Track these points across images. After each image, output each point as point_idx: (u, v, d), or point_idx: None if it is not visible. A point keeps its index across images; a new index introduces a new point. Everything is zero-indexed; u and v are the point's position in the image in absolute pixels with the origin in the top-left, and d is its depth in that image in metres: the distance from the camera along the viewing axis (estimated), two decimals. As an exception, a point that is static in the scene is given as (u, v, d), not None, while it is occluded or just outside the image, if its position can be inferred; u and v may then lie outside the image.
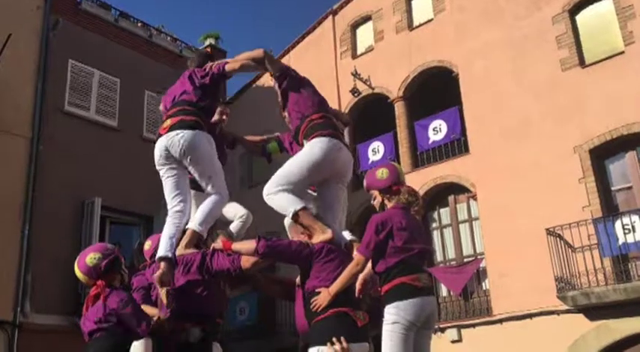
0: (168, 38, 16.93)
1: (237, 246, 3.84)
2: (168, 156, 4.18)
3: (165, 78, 15.02)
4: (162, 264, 3.86)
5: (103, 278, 3.65)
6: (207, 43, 17.83)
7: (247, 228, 5.14)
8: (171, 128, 4.16)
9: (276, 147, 5.04)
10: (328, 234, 3.79)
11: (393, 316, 3.59)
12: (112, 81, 14.86)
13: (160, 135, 4.23)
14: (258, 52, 4.35)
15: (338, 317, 3.54)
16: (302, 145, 4.24)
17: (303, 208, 3.92)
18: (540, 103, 12.07)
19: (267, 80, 16.94)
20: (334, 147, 4.08)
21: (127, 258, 13.06)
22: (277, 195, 3.99)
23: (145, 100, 15.39)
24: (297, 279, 4.31)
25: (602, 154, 11.47)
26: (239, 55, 4.52)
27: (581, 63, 11.89)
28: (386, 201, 3.96)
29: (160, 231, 12.92)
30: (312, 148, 4.08)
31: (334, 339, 3.43)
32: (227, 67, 4.38)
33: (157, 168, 4.28)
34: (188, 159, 4.15)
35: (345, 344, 3.43)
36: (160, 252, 3.95)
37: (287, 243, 3.77)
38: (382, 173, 4.00)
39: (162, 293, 3.89)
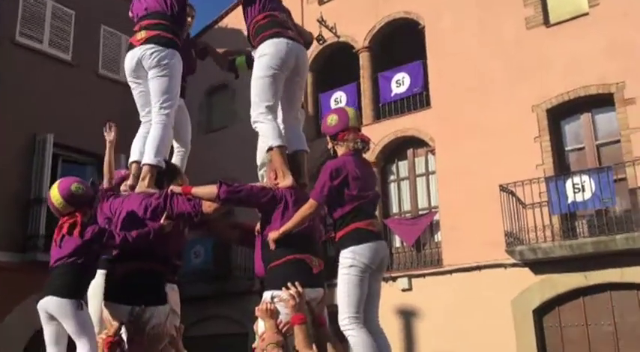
0: (128, -29, 16.21)
1: (197, 190, 3.78)
2: (139, 69, 4.26)
3: (123, 13, 14.37)
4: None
5: (79, 209, 3.61)
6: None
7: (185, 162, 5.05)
8: (147, 41, 4.21)
9: (244, 62, 5.01)
10: (288, 182, 3.80)
11: (349, 260, 3.63)
12: (67, 13, 14.21)
13: (132, 46, 4.28)
14: None
15: (294, 263, 3.57)
16: (254, 48, 4.29)
17: (279, 146, 3.97)
18: (503, 61, 12.14)
19: (229, 21, 16.52)
20: (280, 46, 4.12)
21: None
22: (263, 124, 4.07)
23: (101, 35, 14.82)
24: (257, 226, 4.31)
25: (559, 114, 11.68)
26: None
27: (546, 22, 11.94)
28: (336, 148, 3.95)
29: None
30: (260, 59, 4.15)
31: (289, 284, 3.46)
32: None
33: (128, 80, 4.40)
34: (153, 75, 4.21)
35: (300, 288, 3.46)
36: (146, 159, 4.07)
37: (249, 188, 3.73)
38: (332, 119, 3.97)
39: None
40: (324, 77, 14.99)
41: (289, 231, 3.61)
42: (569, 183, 10.45)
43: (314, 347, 3.42)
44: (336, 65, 14.83)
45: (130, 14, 4.71)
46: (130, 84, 4.43)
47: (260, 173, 4.67)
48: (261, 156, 4.65)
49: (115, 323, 3.47)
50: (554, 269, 10.66)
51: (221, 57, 5.28)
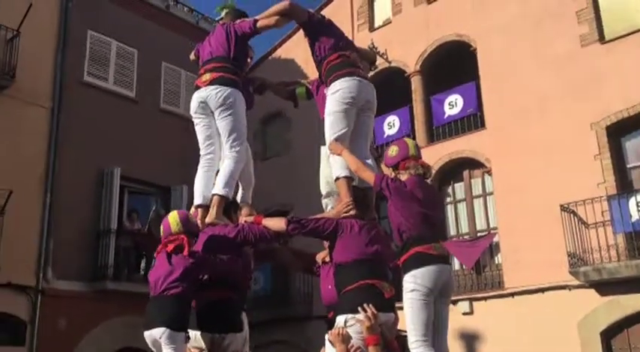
0: (185, 9, 16.92)
1: (267, 222, 4.01)
2: (205, 108, 4.56)
3: (182, 49, 15.07)
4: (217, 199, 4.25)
5: (187, 235, 3.84)
6: (223, 14, 17.77)
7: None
8: (211, 82, 4.52)
9: (304, 92, 5.25)
10: (352, 212, 3.99)
11: (411, 284, 3.74)
12: (130, 51, 14.96)
13: (198, 87, 4.60)
14: (284, 4, 4.61)
15: (366, 288, 3.71)
16: (326, 87, 4.53)
17: (345, 177, 4.20)
18: (558, 79, 12.04)
19: (283, 52, 16.99)
20: (352, 83, 4.35)
21: (143, 225, 13.35)
22: (334, 157, 4.30)
23: (162, 72, 15.49)
24: (319, 255, 4.47)
25: (619, 131, 11.46)
26: (267, 10, 4.75)
27: (601, 39, 11.81)
28: (399, 177, 4.10)
29: (176, 202, 13.10)
30: (333, 96, 4.38)
31: (365, 305, 3.60)
32: (259, 24, 4.67)
33: (193, 116, 4.68)
34: (220, 114, 4.51)
35: (374, 310, 3.60)
36: (216, 190, 4.31)
37: (314, 222, 3.92)
38: (392, 151, 4.19)
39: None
40: (377, 102, 15.14)
41: (349, 163, 3.96)
42: (632, 201, 10.22)
43: None
44: (388, 90, 14.91)
45: (193, 56, 5.04)
46: (194, 120, 4.71)
47: (324, 201, 4.86)
48: (326, 185, 4.84)
49: (196, 351, 3.68)
50: (621, 289, 10.37)
51: (279, 88, 5.56)
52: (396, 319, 3.87)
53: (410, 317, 3.70)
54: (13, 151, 12.07)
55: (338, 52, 4.48)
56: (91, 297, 12.59)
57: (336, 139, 4.29)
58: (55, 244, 12.39)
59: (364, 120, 4.50)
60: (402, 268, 3.85)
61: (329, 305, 4.14)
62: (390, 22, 15.35)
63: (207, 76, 4.55)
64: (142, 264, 13.65)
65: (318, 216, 4.14)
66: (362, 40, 15.28)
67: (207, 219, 4.25)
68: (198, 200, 4.48)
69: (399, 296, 3.96)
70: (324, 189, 4.71)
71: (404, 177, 4.05)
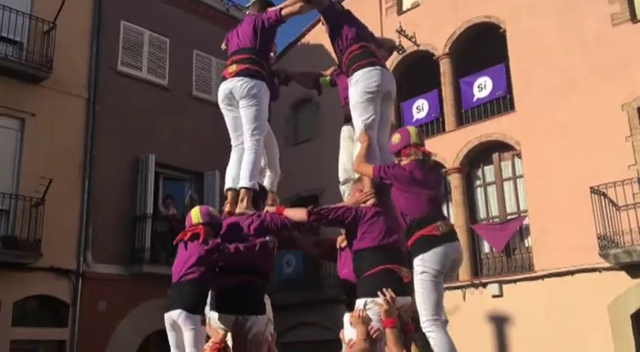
0: (216, -3, 17.10)
1: (289, 212, 4.20)
2: (231, 98, 4.76)
3: (212, 37, 15.30)
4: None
5: (206, 226, 4.09)
6: (250, 3, 17.94)
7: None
8: (238, 74, 4.71)
9: (327, 81, 5.48)
10: (371, 201, 4.17)
11: (420, 267, 3.90)
12: (162, 41, 15.24)
13: (225, 78, 4.81)
14: None
15: (385, 273, 3.88)
16: (348, 76, 4.70)
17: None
18: (588, 60, 11.89)
19: (311, 38, 17.07)
20: (375, 73, 4.53)
21: (178, 210, 13.73)
22: (364, 145, 4.44)
23: (193, 59, 15.75)
24: (338, 239, 4.65)
25: (651, 112, 11.30)
26: None
27: (632, 18, 11.59)
28: (401, 163, 4.26)
29: (209, 187, 13.44)
30: (357, 85, 4.55)
31: (384, 290, 3.77)
32: (283, 12, 4.86)
33: (220, 106, 4.89)
34: (243, 104, 4.69)
35: (392, 295, 3.77)
36: (242, 183, 4.50)
37: (334, 211, 4.10)
38: (395, 138, 4.34)
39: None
40: (405, 86, 15.09)
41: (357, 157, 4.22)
42: (664, 183, 10.11)
43: (403, 351, 3.71)
44: (416, 73, 14.98)
45: (223, 46, 5.22)
46: (222, 111, 4.92)
47: (342, 188, 5.03)
48: (343, 172, 5.02)
49: (221, 331, 3.91)
50: (652, 272, 10.33)
51: (303, 78, 5.74)
52: (413, 302, 4.03)
53: (421, 298, 3.85)
54: (52, 141, 12.51)
55: (359, 43, 4.62)
56: (129, 280, 13.05)
57: (366, 128, 4.44)
58: (93, 229, 12.85)
59: (385, 109, 4.66)
60: (410, 251, 4.00)
61: (346, 289, 4.32)
62: (419, 5, 15.29)
63: (233, 68, 4.74)
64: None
65: (338, 205, 4.31)
66: (390, 23, 15.30)
67: (237, 210, 4.45)
68: (228, 184, 4.73)
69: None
70: (341, 175, 4.88)
71: (404, 163, 4.20)
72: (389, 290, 3.81)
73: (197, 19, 15.96)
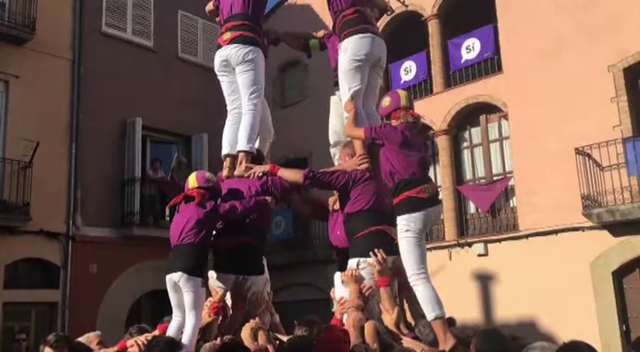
0: (200, -45, 16.77)
1: (284, 173, 4.26)
2: (227, 66, 4.82)
3: (198, -3, 15.11)
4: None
5: (202, 190, 4.13)
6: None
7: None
8: (232, 41, 4.75)
9: (317, 43, 5.48)
10: (364, 166, 4.25)
11: (405, 226, 4.01)
12: (146, 1, 14.98)
13: (220, 46, 4.84)
14: None
15: (376, 234, 4.00)
16: (339, 40, 4.73)
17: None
18: (576, 21, 11.89)
19: (299, -2, 16.84)
20: (365, 40, 4.58)
21: (166, 174, 13.73)
22: (352, 112, 4.52)
23: (178, 20, 15.52)
24: (330, 200, 4.73)
25: (636, 74, 11.38)
26: None
27: (622, -21, 11.57)
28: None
29: (197, 149, 13.46)
30: (346, 52, 4.60)
31: (375, 250, 3.88)
32: None
33: (217, 74, 4.95)
34: (240, 70, 4.75)
35: (384, 255, 3.89)
36: (240, 146, 4.58)
37: (328, 175, 4.17)
38: (385, 101, 4.41)
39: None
40: (393, 47, 14.84)
41: (347, 123, 4.33)
42: (648, 144, 10.26)
43: (396, 307, 3.85)
44: (404, 35, 14.89)
45: (211, 6, 5.19)
46: (218, 77, 4.96)
47: (332, 150, 5.10)
48: (334, 135, 5.07)
49: (221, 290, 4.02)
50: (633, 230, 10.56)
51: (293, 40, 5.73)
52: None
53: (406, 255, 3.98)
54: (37, 103, 12.39)
55: (355, 7, 4.60)
56: (119, 243, 13.14)
57: (352, 97, 4.47)
58: (82, 193, 12.86)
59: (374, 76, 4.69)
60: (395, 208, 4.10)
61: (337, 249, 4.43)
62: (407, -35, 15.08)
63: (227, 35, 4.76)
64: (167, 211, 14.12)
65: (333, 168, 4.39)
66: (378, -17, 15.11)
67: (236, 173, 4.51)
68: (225, 150, 4.78)
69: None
70: (332, 138, 4.94)
71: (394, 125, 4.28)
72: (380, 250, 3.92)
73: (182, -21, 15.68)
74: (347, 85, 4.56)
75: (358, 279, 3.87)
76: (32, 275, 12.25)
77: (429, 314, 3.77)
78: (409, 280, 3.96)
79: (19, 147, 11.78)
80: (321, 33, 5.54)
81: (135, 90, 14.08)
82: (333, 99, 5.12)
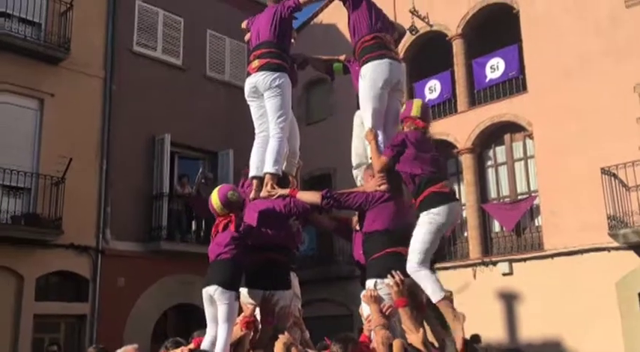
0: (228, -24, 17.14)
1: (303, 195, 4.41)
2: (256, 92, 5.03)
3: (226, 17, 15.44)
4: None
5: (234, 213, 4.33)
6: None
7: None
8: (260, 68, 4.97)
9: (340, 67, 5.62)
10: (383, 187, 4.37)
11: (427, 217, 4.13)
12: (176, 20, 15.35)
13: (249, 73, 5.08)
14: None
15: (392, 256, 4.11)
16: (360, 65, 4.88)
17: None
18: (601, 41, 11.94)
19: (324, 17, 17.12)
20: (384, 66, 4.72)
21: (193, 188, 13.96)
22: (372, 143, 4.67)
23: (207, 39, 15.85)
24: (353, 219, 4.86)
25: (663, 94, 11.38)
26: None
27: (647, -1, 11.61)
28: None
29: (223, 165, 13.70)
30: (365, 78, 4.76)
31: (393, 272, 3.99)
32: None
33: (247, 100, 5.15)
34: (268, 95, 4.94)
35: (401, 276, 3.99)
36: (267, 168, 4.73)
37: (346, 195, 4.30)
38: (402, 108, 4.71)
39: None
40: (418, 66, 15.27)
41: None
42: (674, 164, 10.23)
43: (421, 328, 3.94)
44: (429, 54, 15.06)
45: (244, 25, 5.44)
46: (248, 102, 5.16)
47: (354, 172, 5.23)
48: (356, 157, 5.19)
49: (251, 306, 4.17)
50: (661, 252, 10.52)
51: (319, 63, 5.91)
52: None
53: (421, 241, 4.09)
54: (70, 120, 12.74)
55: (373, 34, 4.77)
56: (147, 257, 13.37)
57: (373, 122, 4.62)
58: (112, 208, 13.14)
59: (393, 100, 4.82)
60: (418, 208, 4.23)
61: (360, 268, 4.55)
62: (432, -15, 15.27)
63: (256, 63, 4.98)
64: (193, 226, 14.36)
65: (351, 190, 4.52)
66: (403, 3, 15.31)
67: (262, 194, 4.67)
68: (253, 172, 4.95)
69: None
70: (354, 160, 5.07)
71: (405, 131, 4.50)
72: (398, 272, 4.03)
73: (211, -1, 16.06)
74: (367, 110, 4.71)
75: (377, 299, 3.99)
76: (62, 288, 12.53)
77: (436, 296, 3.94)
78: (409, 265, 4.05)
79: (53, 163, 12.12)
80: (343, 57, 5.70)
81: (164, 108, 14.40)
82: (356, 121, 5.25)
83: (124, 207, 13.30)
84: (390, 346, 3.62)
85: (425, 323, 4.23)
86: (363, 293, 4.25)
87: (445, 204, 4.12)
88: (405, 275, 4.07)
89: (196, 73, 15.45)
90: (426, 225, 4.11)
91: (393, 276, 4.01)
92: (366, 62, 4.74)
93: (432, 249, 4.11)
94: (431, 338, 4.19)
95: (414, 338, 3.75)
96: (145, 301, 13.22)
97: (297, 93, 16.73)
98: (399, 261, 4.12)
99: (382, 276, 4.09)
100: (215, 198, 4.41)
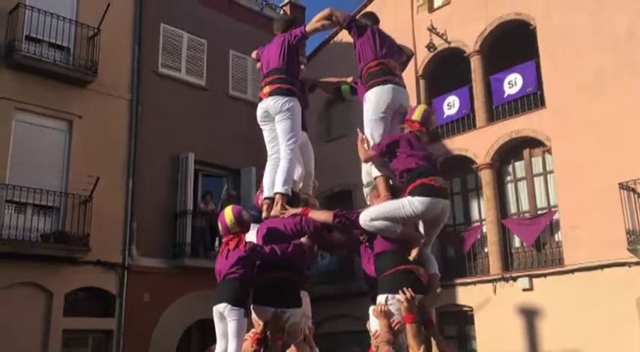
0: (249, -3, 17.57)
1: (315, 214, 4.62)
2: (268, 116, 5.27)
3: (247, 37, 15.83)
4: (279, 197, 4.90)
5: (244, 231, 4.55)
6: (286, 0, 18.45)
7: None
8: (271, 94, 5.21)
9: (348, 89, 5.89)
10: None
11: (407, 199, 4.33)
12: (200, 42, 15.79)
13: (261, 99, 5.35)
14: (325, 11, 5.23)
15: (403, 273, 4.27)
16: (365, 90, 5.08)
17: (382, 176, 4.81)
18: (618, 56, 11.98)
19: (343, 36, 17.39)
20: (387, 91, 4.91)
21: (216, 205, 14.28)
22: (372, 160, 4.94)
23: (229, 59, 16.26)
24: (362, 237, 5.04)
25: (682, 108, 11.36)
26: (313, 18, 5.38)
27: (664, 14, 11.64)
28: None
29: (246, 182, 14.03)
30: (369, 103, 4.96)
31: (404, 288, 4.16)
32: (308, 29, 5.31)
33: (259, 123, 5.39)
34: (279, 118, 5.18)
35: (412, 293, 4.15)
36: (277, 189, 4.94)
37: (357, 215, 4.50)
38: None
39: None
40: (436, 83, 15.44)
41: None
42: (693, 179, 10.20)
43: (422, 345, 4.10)
44: (447, 70, 15.22)
45: (254, 56, 5.72)
46: (261, 126, 5.41)
47: (365, 190, 5.43)
48: (366, 175, 5.40)
49: (261, 323, 4.37)
50: (681, 267, 10.45)
51: (327, 86, 6.17)
52: (434, 298, 4.42)
53: (385, 208, 4.35)
54: (98, 141, 13.19)
55: (378, 60, 4.99)
56: (172, 273, 13.69)
57: (373, 146, 4.84)
58: (138, 225, 13.51)
59: (396, 123, 5.02)
60: (409, 195, 4.42)
61: (370, 283, 4.72)
62: (449, 3, 15.48)
63: (267, 89, 5.25)
64: (217, 242, 14.64)
65: (362, 210, 4.70)
66: (421, 21, 15.56)
67: (273, 213, 4.89)
68: (265, 193, 5.16)
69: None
70: (364, 178, 5.27)
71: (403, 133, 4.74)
72: (409, 288, 4.19)
73: (232, 20, 16.46)
74: (370, 134, 4.93)
75: (387, 314, 4.14)
76: (90, 304, 12.89)
77: (393, 233, 4.32)
78: (364, 218, 4.34)
79: (81, 182, 12.53)
80: (350, 79, 5.92)
81: (188, 127, 14.78)
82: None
83: (150, 224, 13.66)
84: (391, 362, 3.78)
85: (432, 339, 4.39)
86: (373, 308, 4.42)
87: (430, 196, 4.30)
88: (417, 292, 4.23)
89: (219, 93, 15.84)
90: (403, 202, 4.32)
91: (404, 292, 4.17)
92: (371, 87, 4.97)
93: (392, 221, 4.32)
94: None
95: (416, 355, 3.90)
96: (170, 316, 13.51)
97: (317, 111, 17.05)
98: (409, 278, 4.28)
99: (393, 292, 4.26)
100: (229, 214, 4.59)
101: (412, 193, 4.36)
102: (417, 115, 4.75)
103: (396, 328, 4.09)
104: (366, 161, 4.87)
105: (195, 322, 13.70)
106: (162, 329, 13.30)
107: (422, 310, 4.25)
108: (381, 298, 4.29)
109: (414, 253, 4.33)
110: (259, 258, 4.45)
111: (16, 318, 11.37)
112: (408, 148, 4.52)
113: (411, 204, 4.31)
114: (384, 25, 5.53)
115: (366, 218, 4.38)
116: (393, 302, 4.20)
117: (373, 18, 5.55)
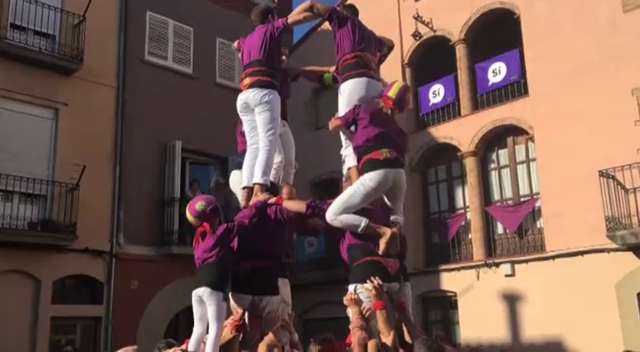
0: (237, -16, 17.53)
1: (288, 203, 4.75)
2: (247, 107, 5.40)
3: (234, 24, 15.80)
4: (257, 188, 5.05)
5: (207, 221, 4.63)
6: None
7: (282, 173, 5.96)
8: (251, 85, 5.32)
9: (330, 77, 6.01)
10: None
11: (360, 180, 4.54)
12: (186, 30, 15.77)
13: (241, 90, 5.47)
14: (307, 3, 5.34)
15: (372, 263, 4.43)
16: (340, 81, 5.22)
17: (355, 166, 4.91)
18: (600, 45, 12.12)
19: (327, 25, 17.42)
20: (360, 84, 5.04)
21: (204, 193, 14.39)
22: (346, 146, 5.12)
23: (216, 47, 16.25)
24: None
25: (661, 97, 11.53)
26: (295, 10, 5.54)
27: (645, 4, 11.77)
28: None
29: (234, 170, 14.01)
30: (343, 95, 5.12)
31: (371, 278, 4.32)
32: (289, 21, 5.43)
33: (239, 114, 5.54)
34: (258, 110, 5.30)
35: (379, 281, 4.31)
36: (255, 179, 5.09)
37: (328, 204, 4.62)
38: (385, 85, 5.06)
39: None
40: (422, 71, 15.54)
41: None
42: (671, 167, 10.39)
43: (392, 330, 4.26)
44: (433, 59, 15.32)
45: (236, 46, 5.84)
46: (240, 117, 5.50)
47: (344, 184, 5.56)
48: (345, 168, 5.52)
49: (240, 310, 4.50)
50: (658, 253, 10.69)
51: (310, 74, 6.28)
52: (406, 289, 4.59)
53: (344, 198, 4.52)
54: (84, 129, 13.21)
55: (354, 53, 5.09)
56: (159, 260, 13.80)
57: (347, 139, 4.97)
58: (125, 213, 13.59)
59: None
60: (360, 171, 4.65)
61: (348, 270, 4.87)
62: (435, -9, 15.52)
63: (247, 80, 5.35)
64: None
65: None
66: (407, 9, 15.62)
67: (251, 203, 5.01)
68: (244, 183, 5.29)
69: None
70: (344, 169, 5.39)
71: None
72: (377, 277, 4.35)
73: (219, 8, 16.43)
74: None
75: (358, 302, 4.31)
76: (78, 291, 13.00)
77: (359, 227, 4.45)
78: (329, 214, 4.49)
79: (68, 171, 12.59)
80: (332, 68, 6.02)
81: (175, 115, 14.81)
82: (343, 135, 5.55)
83: (137, 212, 13.74)
84: (365, 346, 3.94)
85: (403, 325, 4.55)
86: (345, 296, 4.57)
87: (377, 169, 4.47)
88: (384, 280, 4.38)
89: (206, 81, 15.85)
90: (357, 185, 4.50)
91: (372, 281, 4.33)
92: (346, 79, 5.07)
93: (354, 207, 4.48)
94: (407, 338, 4.50)
95: (385, 340, 4.06)
96: (158, 303, 13.64)
97: (305, 99, 17.13)
98: (378, 268, 4.44)
99: (363, 281, 4.41)
100: (188, 214, 4.76)
101: (362, 171, 4.54)
102: (392, 92, 4.84)
103: (366, 315, 4.24)
104: (333, 129, 5.03)
105: (183, 308, 13.82)
106: (150, 315, 13.45)
107: (391, 298, 4.41)
108: (351, 287, 4.45)
109: (382, 246, 4.46)
110: (231, 235, 4.57)
111: (4, 306, 11.47)
112: (365, 122, 4.65)
113: (363, 183, 4.48)
114: (371, 14, 5.65)
115: (332, 214, 4.51)
116: (362, 290, 4.36)
117: (352, 10, 5.65)
